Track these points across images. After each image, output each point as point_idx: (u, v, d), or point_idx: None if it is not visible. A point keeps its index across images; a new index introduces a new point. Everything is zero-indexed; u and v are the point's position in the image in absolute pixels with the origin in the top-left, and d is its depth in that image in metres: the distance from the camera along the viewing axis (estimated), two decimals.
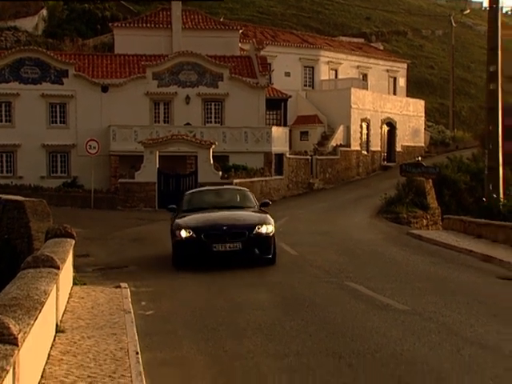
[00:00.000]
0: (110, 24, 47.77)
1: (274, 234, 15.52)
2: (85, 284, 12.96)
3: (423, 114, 56.63)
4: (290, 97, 44.51)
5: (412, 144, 54.07)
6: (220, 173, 34.68)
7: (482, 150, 33.67)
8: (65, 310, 10.22)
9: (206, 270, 14.89)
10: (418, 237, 23.43)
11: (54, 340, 8.35)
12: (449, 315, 10.33)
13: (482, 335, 9.10)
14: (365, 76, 55.14)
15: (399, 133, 52.84)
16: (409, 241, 22.78)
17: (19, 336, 4.89)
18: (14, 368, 4.89)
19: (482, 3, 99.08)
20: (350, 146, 47.18)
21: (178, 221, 15.92)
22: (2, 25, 53.72)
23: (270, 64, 45.36)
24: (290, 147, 42.75)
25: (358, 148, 48.12)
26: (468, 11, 72.74)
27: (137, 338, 8.62)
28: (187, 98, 39.87)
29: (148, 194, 34.26)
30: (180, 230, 15.35)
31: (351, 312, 10.67)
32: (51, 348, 7.96)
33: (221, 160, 36.32)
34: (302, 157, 42.87)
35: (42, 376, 6.81)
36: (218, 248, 15.01)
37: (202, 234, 15.06)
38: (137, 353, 7.86)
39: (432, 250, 19.91)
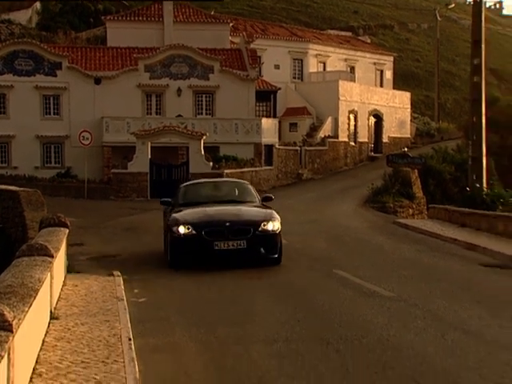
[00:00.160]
0: (102, 17, 48.06)
1: (280, 232, 14.05)
2: (78, 272, 13.01)
3: (409, 106, 57.04)
4: (280, 89, 44.81)
5: (398, 135, 54.47)
6: (211, 163, 35.04)
7: (466, 140, 33.88)
8: (59, 297, 10.22)
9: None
10: (404, 226, 23.60)
11: (49, 327, 8.43)
12: (433, 302, 10.47)
13: (466, 321, 9.29)
14: (352, 69, 55.51)
15: (386, 124, 53.25)
16: (395, 230, 22.93)
17: (14, 323, 4.88)
18: (8, 354, 4.92)
19: None
20: (337, 137, 47.49)
21: (175, 215, 14.29)
22: None
23: (259, 57, 45.68)
24: (280, 138, 43.11)
25: (346, 139, 48.46)
26: (453, 5, 73.23)
27: (129, 324, 8.66)
28: (179, 90, 40.26)
29: (140, 184, 34.49)
30: (178, 225, 13.76)
31: (339, 299, 10.78)
32: (45, 334, 8.01)
33: (212, 151, 36.72)
34: (291, 148, 43.31)
35: (36, 362, 6.87)
36: (220, 246, 13.51)
37: (202, 231, 13.53)
38: (129, 339, 7.89)
39: (417, 238, 20.06)
